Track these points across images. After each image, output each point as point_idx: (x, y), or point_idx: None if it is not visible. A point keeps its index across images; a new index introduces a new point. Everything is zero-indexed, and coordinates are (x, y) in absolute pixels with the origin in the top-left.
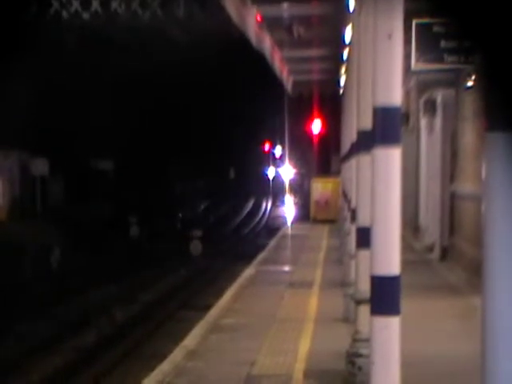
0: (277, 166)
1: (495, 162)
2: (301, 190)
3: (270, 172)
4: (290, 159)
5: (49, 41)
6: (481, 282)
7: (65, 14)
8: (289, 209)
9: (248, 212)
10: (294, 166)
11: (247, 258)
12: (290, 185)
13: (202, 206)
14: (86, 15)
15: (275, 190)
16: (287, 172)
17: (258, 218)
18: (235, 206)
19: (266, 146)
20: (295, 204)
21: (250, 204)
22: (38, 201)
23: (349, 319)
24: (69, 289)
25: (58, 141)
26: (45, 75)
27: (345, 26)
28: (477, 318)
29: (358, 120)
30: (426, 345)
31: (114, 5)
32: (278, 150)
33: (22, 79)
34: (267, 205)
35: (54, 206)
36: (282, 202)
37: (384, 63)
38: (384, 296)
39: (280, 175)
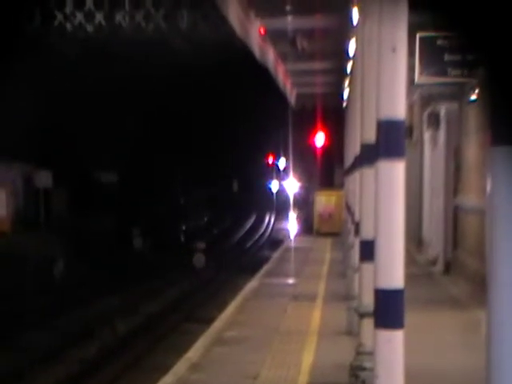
0: (281, 179)
1: (499, 175)
2: (305, 203)
3: (274, 185)
4: (294, 172)
5: (52, 53)
6: (484, 295)
7: (69, 26)
8: (292, 222)
9: (251, 225)
10: (299, 180)
11: (250, 270)
12: (295, 198)
13: (206, 219)
14: (89, 28)
15: (279, 203)
16: (291, 185)
17: (261, 231)
18: (238, 219)
19: (270, 159)
20: (298, 218)
21: (254, 217)
22: (42, 213)
23: (352, 332)
24: (72, 300)
25: (61, 153)
26: (48, 88)
27: (348, 39)
28: (480, 331)
29: (361, 133)
30: (430, 358)
31: (117, 17)
32: (281, 163)
33: (25, 92)
34: (270, 218)
35: (58, 217)
36: (286, 216)
37: (388, 76)
38: (388, 309)
39: (284, 188)
